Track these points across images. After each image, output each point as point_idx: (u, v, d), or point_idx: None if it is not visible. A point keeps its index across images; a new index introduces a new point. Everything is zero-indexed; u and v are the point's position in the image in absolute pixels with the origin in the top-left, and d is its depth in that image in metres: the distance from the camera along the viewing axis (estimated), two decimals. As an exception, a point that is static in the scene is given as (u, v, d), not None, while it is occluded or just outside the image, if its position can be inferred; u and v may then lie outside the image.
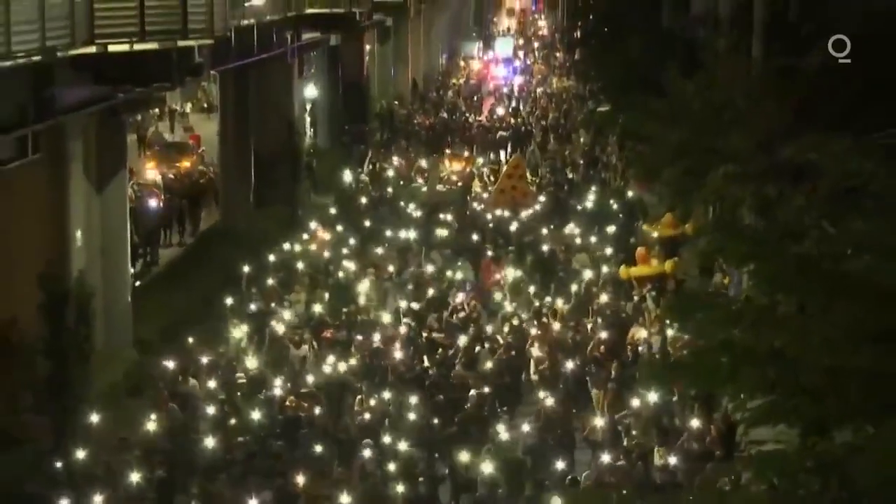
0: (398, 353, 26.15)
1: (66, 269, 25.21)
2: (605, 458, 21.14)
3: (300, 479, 20.19)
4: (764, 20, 30.24)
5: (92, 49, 22.36)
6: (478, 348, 26.81)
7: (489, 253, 34.46)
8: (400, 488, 20.05)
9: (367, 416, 23.31)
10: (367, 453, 21.45)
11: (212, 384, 24.56)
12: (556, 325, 28.11)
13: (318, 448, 21.84)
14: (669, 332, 26.02)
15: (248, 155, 41.12)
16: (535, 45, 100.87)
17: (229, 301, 29.44)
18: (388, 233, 36.39)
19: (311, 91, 53.68)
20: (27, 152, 21.09)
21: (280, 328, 27.77)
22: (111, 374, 26.57)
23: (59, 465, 21.16)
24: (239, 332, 27.55)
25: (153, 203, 36.86)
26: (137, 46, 23.19)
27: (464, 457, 21.34)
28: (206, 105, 61.96)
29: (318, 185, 45.78)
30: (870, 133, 20.62)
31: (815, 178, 21.37)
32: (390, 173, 46.43)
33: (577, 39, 69.43)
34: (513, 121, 60.35)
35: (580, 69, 66.08)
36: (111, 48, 22.83)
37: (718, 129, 26.97)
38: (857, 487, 11.58)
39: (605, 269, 32.51)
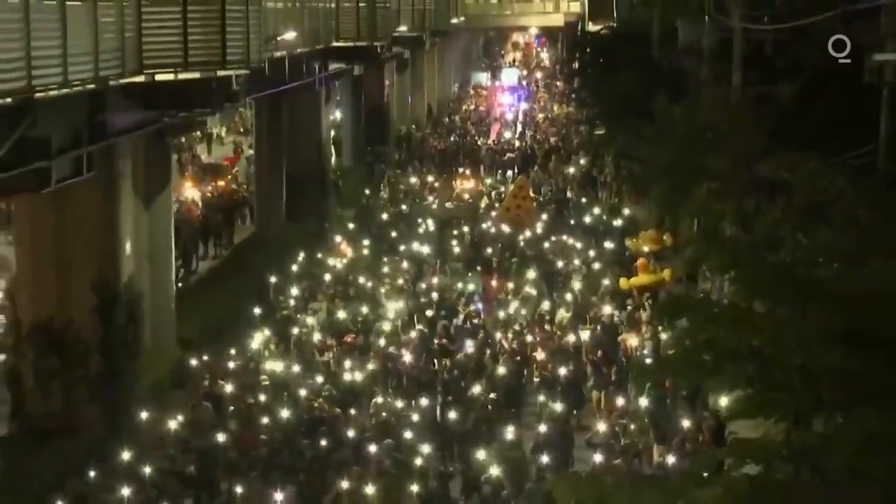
0: (412, 358, 25.75)
1: (117, 276, 25.22)
2: (598, 457, 20.83)
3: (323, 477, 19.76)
4: (742, 53, 30.20)
5: (140, 78, 22.38)
6: (487, 352, 26.41)
7: (492, 265, 33.95)
8: (414, 486, 19.59)
9: (382, 414, 22.89)
10: (382, 452, 20.92)
11: (238, 386, 24.18)
12: (557, 332, 27.67)
13: (338, 446, 21.40)
14: (662, 337, 25.80)
15: (280, 173, 41.17)
16: (538, 75, 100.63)
17: (257, 310, 29.20)
18: (405, 246, 36.05)
19: (336, 115, 53.71)
20: (82, 171, 21.08)
21: (304, 334, 27.45)
22: (157, 369, 26.57)
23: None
24: (263, 338, 27.12)
25: (191, 218, 36.90)
26: (181, 75, 23.20)
27: (474, 456, 20.90)
28: (241, 129, 62.02)
29: (344, 200, 45.75)
30: (837, 154, 20.54)
31: (789, 194, 21.29)
32: (405, 192, 45.99)
33: (576, 70, 69.25)
34: (518, 143, 60.22)
35: (578, 97, 65.87)
36: (158, 77, 22.85)
37: (701, 149, 26.91)
38: (827, 473, 11.51)
39: (602, 280, 31.97)
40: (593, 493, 13.43)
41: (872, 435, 11.11)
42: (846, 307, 12.12)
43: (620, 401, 23.85)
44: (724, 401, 15.15)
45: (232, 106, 30.46)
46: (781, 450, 12.04)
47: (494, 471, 20.02)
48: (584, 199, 44.52)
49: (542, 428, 22.30)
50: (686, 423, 22.12)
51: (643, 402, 22.95)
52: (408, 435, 21.78)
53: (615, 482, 14.18)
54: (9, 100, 17.22)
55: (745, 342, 12.57)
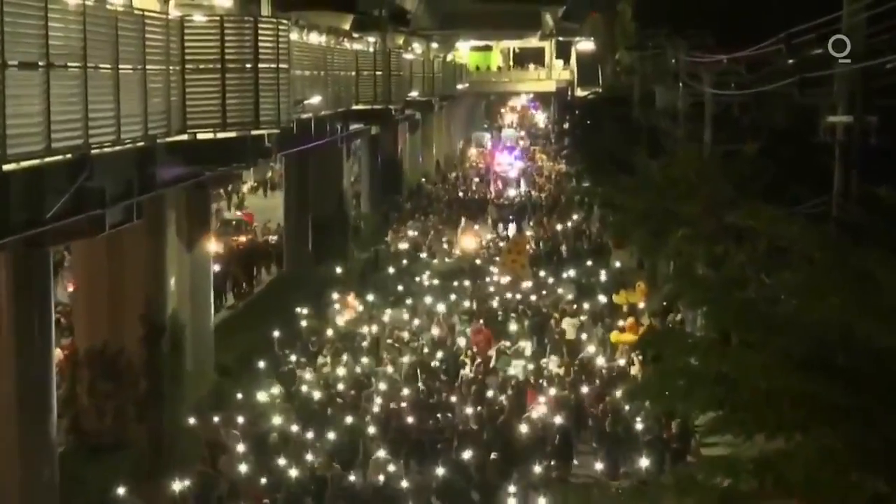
0: (408, 415, 23.61)
1: (162, 309, 25.19)
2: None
3: None
4: (713, 114, 30.27)
5: (184, 136, 22.41)
6: (479, 408, 24.24)
7: (493, 319, 31.71)
8: None
9: (380, 478, 21.05)
10: None
11: (242, 445, 22.42)
12: (552, 389, 25.49)
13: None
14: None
15: (307, 219, 41.22)
16: (533, 134, 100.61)
17: (262, 364, 27.64)
18: (409, 300, 34.11)
19: (356, 169, 53.81)
20: (133, 218, 21.06)
21: (308, 389, 25.60)
22: (198, 392, 26.47)
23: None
24: (270, 392, 25.47)
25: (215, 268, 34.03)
26: (220, 134, 23.22)
27: None
28: (269, 183, 62.34)
29: (362, 243, 45.69)
30: (795, 204, 20.55)
31: (754, 240, 21.27)
32: (406, 245, 43.79)
33: (566, 130, 69.42)
34: (516, 199, 58.96)
35: (568, 153, 65.95)
36: (199, 136, 22.88)
37: (676, 199, 26.93)
38: (788, 485, 11.46)
39: (594, 333, 30.29)
40: (581, 500, 13.40)
41: (827, 450, 11.09)
42: (803, 337, 12.11)
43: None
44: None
45: (264, 161, 30.49)
46: (748, 465, 12.00)
47: None
48: (574, 254, 42.01)
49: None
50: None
51: (644, 461, 21.44)
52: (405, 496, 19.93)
53: (600, 491, 14.15)
54: (69, 155, 17.29)
55: (715, 368, 12.55)
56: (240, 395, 25.71)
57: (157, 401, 24.55)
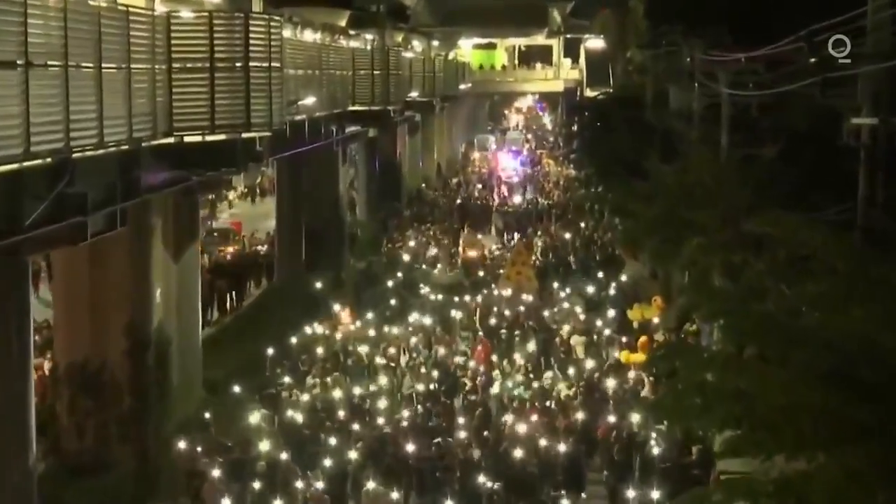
0: (406, 441, 23.13)
1: (147, 321, 25.21)
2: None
3: None
4: (729, 116, 30.27)
5: (170, 140, 22.43)
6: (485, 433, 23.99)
7: (496, 336, 31.57)
8: None
9: None
10: None
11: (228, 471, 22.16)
12: (559, 412, 25.27)
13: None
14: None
15: (299, 226, 41.25)
16: (540, 137, 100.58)
17: (250, 385, 27.40)
18: (407, 314, 33.84)
19: (352, 174, 53.82)
20: (116, 225, 21.05)
21: (297, 414, 25.24)
22: (185, 409, 26.45)
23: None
24: (257, 416, 25.12)
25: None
26: (209, 137, 23.24)
27: None
28: (258, 189, 62.35)
29: (359, 252, 45.69)
30: (816, 211, 20.55)
31: (773, 249, 21.26)
32: (406, 257, 43.67)
33: (574, 132, 69.44)
34: (522, 206, 58.84)
35: (576, 157, 65.98)
36: (187, 139, 22.90)
37: (691, 205, 26.94)
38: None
39: (604, 353, 30.08)
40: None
41: (851, 470, 11.07)
42: (825, 351, 12.11)
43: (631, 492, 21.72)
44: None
45: (255, 165, 30.51)
46: (768, 486, 11.99)
47: None
48: (583, 266, 41.69)
49: None
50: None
51: (654, 494, 21.19)
52: None
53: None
54: (49, 159, 17.29)
55: (732, 384, 12.55)
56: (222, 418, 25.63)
57: (141, 419, 24.55)
